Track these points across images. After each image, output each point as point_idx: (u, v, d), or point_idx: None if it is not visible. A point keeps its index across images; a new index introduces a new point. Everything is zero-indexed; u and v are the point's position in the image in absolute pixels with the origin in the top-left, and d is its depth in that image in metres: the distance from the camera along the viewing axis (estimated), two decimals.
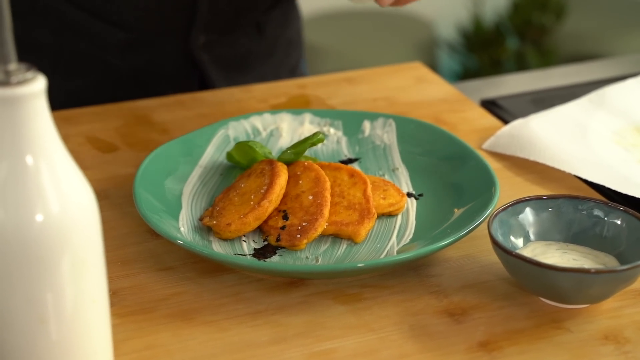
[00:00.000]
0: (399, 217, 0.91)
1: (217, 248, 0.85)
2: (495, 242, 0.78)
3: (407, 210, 0.92)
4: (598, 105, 1.11)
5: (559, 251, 0.81)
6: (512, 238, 0.82)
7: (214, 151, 1.00)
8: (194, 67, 1.23)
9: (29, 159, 0.61)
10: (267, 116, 1.04)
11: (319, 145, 1.00)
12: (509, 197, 0.88)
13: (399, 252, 0.85)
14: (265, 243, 0.87)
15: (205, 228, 0.89)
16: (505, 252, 0.77)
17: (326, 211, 0.87)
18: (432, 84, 1.22)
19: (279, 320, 0.78)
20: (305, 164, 0.92)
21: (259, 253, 0.85)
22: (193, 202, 0.93)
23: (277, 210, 0.88)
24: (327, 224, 0.87)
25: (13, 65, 0.60)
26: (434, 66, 2.84)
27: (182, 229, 0.87)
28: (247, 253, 0.85)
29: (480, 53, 3.01)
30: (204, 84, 1.25)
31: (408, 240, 0.87)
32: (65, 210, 0.62)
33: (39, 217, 0.61)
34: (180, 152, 0.98)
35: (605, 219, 0.83)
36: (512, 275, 0.80)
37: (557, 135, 1.04)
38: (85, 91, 1.20)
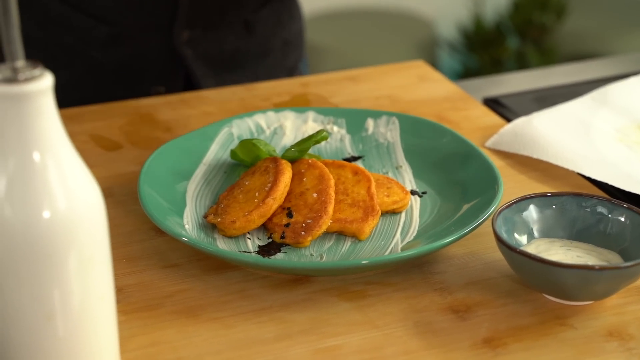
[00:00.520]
0: (403, 214, 0.91)
1: (222, 245, 0.86)
2: (499, 239, 0.79)
3: (411, 207, 0.92)
4: (601, 103, 1.11)
5: (563, 248, 0.82)
6: (516, 235, 0.83)
7: (217, 149, 1.00)
8: (179, 63, 1.23)
9: (36, 156, 0.61)
10: (271, 114, 1.05)
11: (323, 143, 1.01)
12: (512, 195, 0.88)
13: (403, 249, 0.86)
14: (270, 240, 0.87)
15: (209, 225, 0.89)
16: (510, 249, 0.77)
17: (330, 208, 0.87)
18: (434, 82, 1.22)
19: (284, 317, 0.78)
20: (310, 161, 0.92)
21: (264, 250, 0.86)
22: (197, 199, 0.93)
23: (282, 207, 0.89)
24: (331, 221, 0.87)
25: (21, 63, 0.61)
26: (434, 65, 2.84)
27: (186, 226, 0.87)
28: (252, 250, 0.86)
29: (481, 52, 3.02)
30: (190, 82, 1.25)
31: (412, 237, 0.88)
32: (73, 207, 0.62)
33: (46, 214, 0.61)
34: (184, 150, 0.98)
35: (609, 216, 0.83)
36: (516, 272, 0.80)
37: (560, 133, 1.04)
38: (68, 85, 1.20)
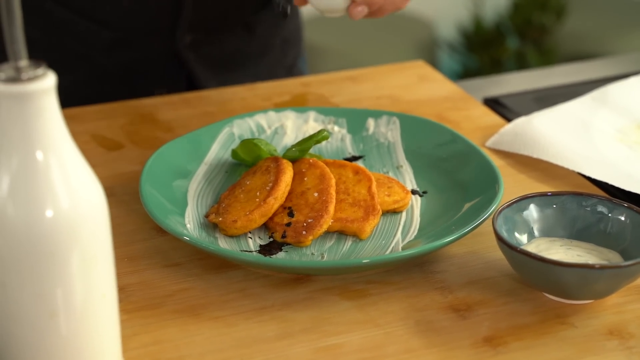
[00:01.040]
0: (404, 214, 0.91)
1: (223, 244, 0.86)
2: (500, 238, 0.79)
3: (412, 207, 0.92)
4: (601, 103, 1.11)
5: (563, 247, 0.82)
6: (516, 234, 0.83)
7: (219, 149, 1.00)
8: (181, 66, 1.23)
9: (39, 155, 0.61)
10: (272, 114, 1.05)
11: (324, 142, 1.01)
12: (512, 195, 0.88)
13: (403, 248, 0.86)
14: (271, 240, 0.87)
15: (211, 225, 0.89)
16: (510, 248, 0.78)
17: (331, 208, 0.87)
18: (435, 82, 1.23)
19: (285, 316, 0.79)
20: (311, 161, 0.92)
21: (265, 249, 0.86)
22: (199, 199, 0.93)
23: (283, 207, 0.89)
24: (332, 220, 0.87)
25: (24, 62, 0.61)
26: (434, 66, 2.84)
27: (188, 225, 0.88)
28: (253, 249, 0.86)
29: (481, 53, 3.02)
30: (192, 83, 1.25)
31: (413, 236, 0.88)
32: (75, 205, 0.62)
33: (49, 213, 0.62)
34: (186, 149, 0.98)
35: (610, 215, 0.83)
36: (516, 271, 0.81)
37: (560, 132, 1.04)
38: (72, 89, 1.20)
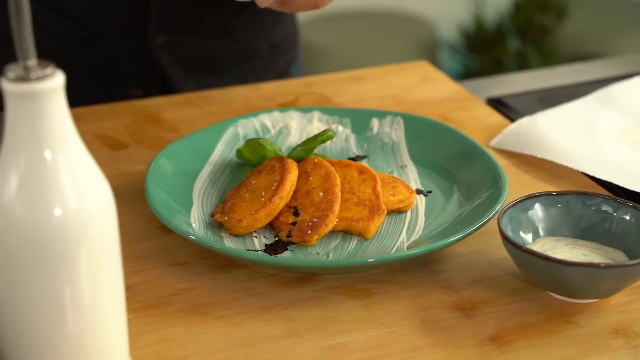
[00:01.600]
0: (408, 213, 0.92)
1: (229, 244, 0.86)
2: (505, 237, 0.79)
3: (417, 206, 0.93)
4: (604, 103, 1.11)
5: (568, 247, 0.82)
6: (521, 234, 0.83)
7: (223, 148, 1.00)
8: (154, 67, 1.22)
9: (47, 154, 0.62)
10: (276, 114, 1.05)
11: (328, 142, 1.01)
12: (517, 194, 0.89)
13: (408, 247, 0.86)
14: (276, 239, 0.88)
15: (216, 224, 0.89)
16: (516, 247, 0.78)
17: (336, 207, 0.88)
18: (438, 82, 1.23)
19: (291, 315, 0.79)
20: (316, 160, 0.93)
21: (270, 249, 0.86)
22: (204, 199, 0.93)
23: (288, 206, 0.89)
24: (337, 220, 0.88)
25: (32, 62, 0.61)
26: (435, 66, 2.84)
27: (193, 225, 0.88)
28: (259, 249, 0.86)
29: (482, 53, 3.02)
30: (167, 85, 1.24)
31: (418, 236, 0.88)
32: (84, 205, 0.63)
33: (57, 212, 0.62)
34: (191, 149, 0.98)
35: (614, 214, 0.84)
36: (522, 270, 0.81)
37: (564, 132, 1.04)
38: None
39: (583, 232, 0.84)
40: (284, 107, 1.13)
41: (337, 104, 1.17)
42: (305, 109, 1.06)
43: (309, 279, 0.83)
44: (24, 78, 0.60)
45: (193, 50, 1.23)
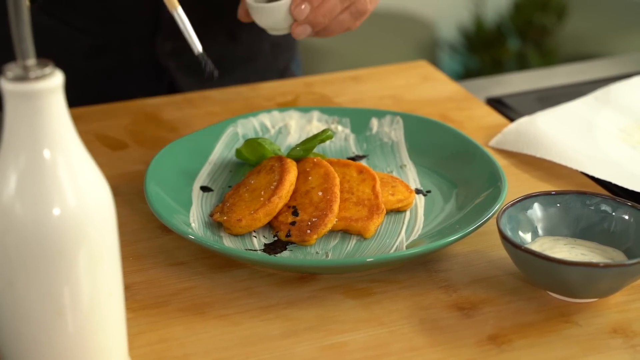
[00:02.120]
0: (408, 213, 0.92)
1: (228, 243, 0.86)
2: (504, 237, 0.79)
3: (416, 206, 0.93)
4: (604, 103, 1.11)
5: (567, 246, 0.82)
6: (520, 233, 0.83)
7: (223, 148, 1.01)
8: (162, 74, 1.22)
9: (46, 153, 0.62)
10: (276, 114, 1.05)
11: (327, 142, 1.01)
12: (516, 194, 0.89)
13: (407, 247, 0.86)
14: (276, 239, 0.88)
15: (215, 224, 0.89)
16: (515, 247, 0.78)
17: (336, 207, 0.88)
18: (438, 82, 1.23)
19: (290, 314, 0.79)
20: (315, 160, 0.93)
21: (270, 248, 0.86)
22: (203, 198, 0.93)
23: (287, 206, 0.89)
24: (336, 219, 0.88)
25: (31, 61, 0.61)
26: (435, 67, 2.84)
27: (193, 224, 0.88)
28: (258, 248, 0.86)
29: (482, 53, 3.02)
30: (173, 90, 1.24)
31: (417, 235, 0.88)
32: (83, 204, 0.63)
33: (56, 211, 0.62)
34: (190, 149, 0.98)
35: (613, 214, 0.84)
36: (521, 270, 0.81)
37: (563, 132, 1.04)
38: None
39: (582, 232, 0.84)
40: (283, 106, 1.13)
41: (336, 103, 1.17)
42: (305, 109, 1.06)
43: (308, 278, 0.83)
44: (23, 77, 0.61)
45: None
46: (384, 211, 0.89)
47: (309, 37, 0.97)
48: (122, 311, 0.68)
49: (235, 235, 0.88)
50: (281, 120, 1.05)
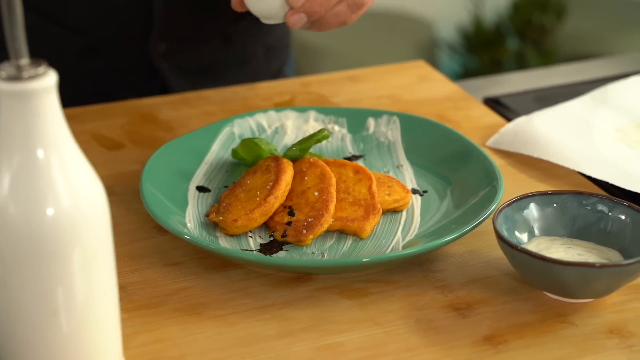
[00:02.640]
0: (404, 213, 0.92)
1: (224, 243, 0.86)
2: (500, 237, 0.79)
3: (412, 206, 0.93)
4: (601, 103, 1.11)
5: (564, 246, 0.82)
6: (516, 233, 0.83)
7: (219, 148, 1.00)
8: (155, 75, 1.22)
9: (40, 153, 0.62)
10: (272, 113, 1.05)
11: (324, 142, 1.01)
12: (512, 194, 0.88)
13: (404, 247, 0.86)
14: (271, 239, 0.87)
15: (211, 224, 0.89)
16: (511, 247, 0.78)
17: (332, 207, 0.88)
18: (435, 82, 1.23)
19: (286, 315, 0.79)
20: (311, 160, 0.92)
21: (265, 248, 0.86)
22: (199, 198, 0.93)
23: (283, 206, 0.89)
24: (332, 219, 0.88)
25: (25, 61, 0.61)
26: (434, 66, 2.84)
27: (188, 224, 0.88)
28: (254, 248, 0.86)
29: (481, 53, 3.02)
30: (166, 91, 1.24)
31: (413, 235, 0.88)
32: (76, 204, 0.62)
33: (50, 211, 0.62)
34: (186, 149, 0.98)
35: (610, 214, 0.83)
36: (517, 270, 0.81)
37: (560, 132, 1.04)
38: None
39: (578, 232, 0.84)
40: (280, 106, 1.13)
41: (333, 103, 1.17)
42: (301, 109, 1.06)
43: (304, 278, 0.83)
44: (16, 77, 0.60)
45: (192, 57, 1.24)
46: (380, 211, 0.89)
47: (304, 29, 0.96)
48: (116, 311, 0.68)
49: (231, 235, 0.87)
50: (278, 120, 1.05)
